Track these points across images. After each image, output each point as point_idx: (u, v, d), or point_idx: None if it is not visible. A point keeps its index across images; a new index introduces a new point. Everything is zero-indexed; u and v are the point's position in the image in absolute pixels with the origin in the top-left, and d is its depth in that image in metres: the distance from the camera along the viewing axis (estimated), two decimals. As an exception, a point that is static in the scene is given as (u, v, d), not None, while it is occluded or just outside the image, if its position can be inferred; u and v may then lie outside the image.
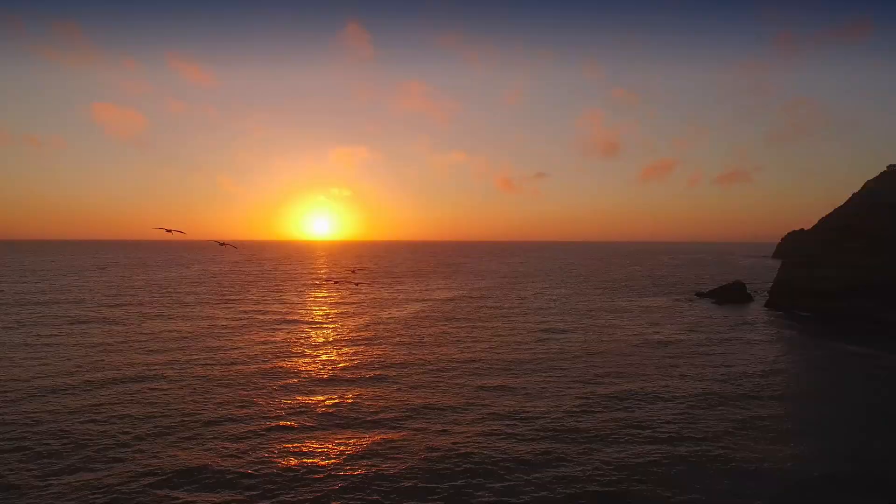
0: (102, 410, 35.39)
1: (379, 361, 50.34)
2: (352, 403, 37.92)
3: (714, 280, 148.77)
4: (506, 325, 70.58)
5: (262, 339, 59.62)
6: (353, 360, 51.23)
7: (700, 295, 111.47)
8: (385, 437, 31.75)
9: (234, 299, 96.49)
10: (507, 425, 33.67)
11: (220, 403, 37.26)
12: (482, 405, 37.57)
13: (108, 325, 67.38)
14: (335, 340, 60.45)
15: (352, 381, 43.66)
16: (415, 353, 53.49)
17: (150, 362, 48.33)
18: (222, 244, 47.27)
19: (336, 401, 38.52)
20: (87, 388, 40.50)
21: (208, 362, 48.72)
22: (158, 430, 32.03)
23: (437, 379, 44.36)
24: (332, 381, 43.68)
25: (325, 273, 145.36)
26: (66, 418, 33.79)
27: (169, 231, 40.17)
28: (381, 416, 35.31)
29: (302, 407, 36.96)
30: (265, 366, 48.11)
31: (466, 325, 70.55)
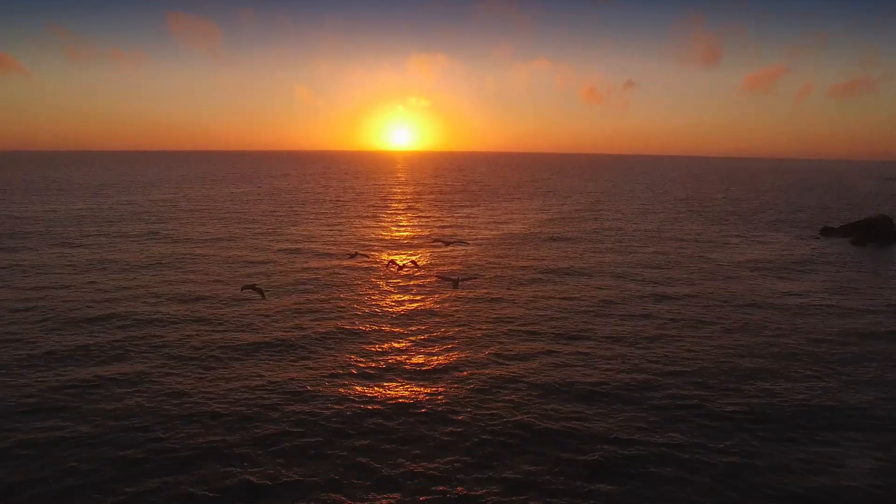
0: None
1: (411, 355, 37.72)
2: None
3: (840, 210, 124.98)
4: (591, 283, 55.54)
5: (270, 308, 48.27)
6: (379, 345, 38.97)
7: (828, 231, 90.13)
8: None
9: (276, 230, 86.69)
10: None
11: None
12: (542, 481, 24.19)
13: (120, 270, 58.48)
14: (370, 314, 48.38)
15: (365, 382, 31.42)
16: (463, 342, 40.37)
17: (126, 337, 38.09)
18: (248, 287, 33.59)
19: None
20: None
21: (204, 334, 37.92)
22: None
23: (491, 400, 31.23)
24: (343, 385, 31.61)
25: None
26: None
27: None
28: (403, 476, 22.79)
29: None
30: (254, 355, 36.67)
31: (542, 280, 55.92)
